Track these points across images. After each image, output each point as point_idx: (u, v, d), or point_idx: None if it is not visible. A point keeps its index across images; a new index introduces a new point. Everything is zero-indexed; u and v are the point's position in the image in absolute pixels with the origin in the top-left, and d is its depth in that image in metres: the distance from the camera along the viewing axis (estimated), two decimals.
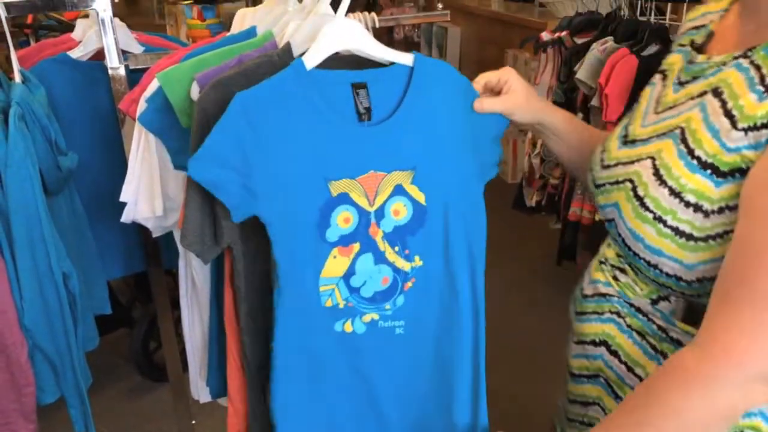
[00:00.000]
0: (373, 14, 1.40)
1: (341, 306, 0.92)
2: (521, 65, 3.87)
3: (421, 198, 0.92)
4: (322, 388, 0.95)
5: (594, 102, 2.22)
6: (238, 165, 0.83)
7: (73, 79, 1.56)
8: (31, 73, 1.33)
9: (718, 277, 0.70)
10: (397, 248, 0.93)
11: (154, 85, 1.03)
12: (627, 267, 0.85)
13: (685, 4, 2.26)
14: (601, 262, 0.91)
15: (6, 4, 1.26)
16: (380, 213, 0.91)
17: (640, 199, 0.78)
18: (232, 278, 0.96)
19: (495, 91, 0.99)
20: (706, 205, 0.72)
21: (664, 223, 0.75)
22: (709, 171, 0.72)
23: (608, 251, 0.89)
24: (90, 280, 1.51)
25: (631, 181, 0.81)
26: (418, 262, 0.94)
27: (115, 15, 1.39)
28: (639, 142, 0.83)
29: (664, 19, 2.39)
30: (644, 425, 0.70)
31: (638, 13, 2.42)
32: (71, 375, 1.30)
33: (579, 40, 2.50)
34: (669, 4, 2.38)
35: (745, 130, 0.70)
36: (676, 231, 0.74)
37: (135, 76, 1.29)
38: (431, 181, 0.92)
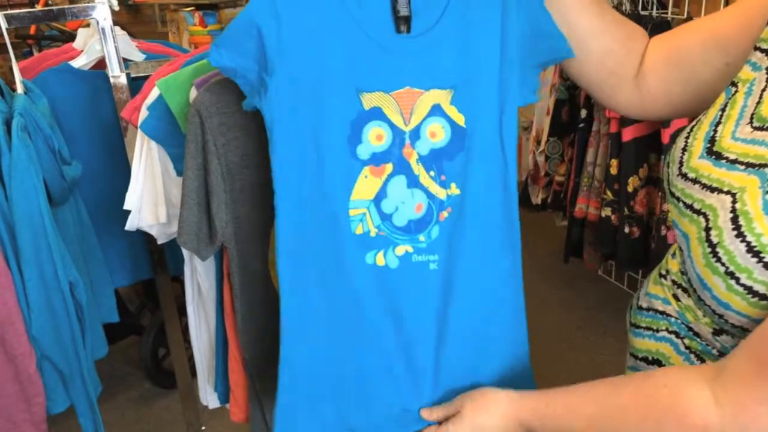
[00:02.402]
0: None
1: (372, 234, 0.85)
2: None
3: (460, 120, 0.86)
4: (344, 332, 0.88)
5: None
6: (258, 56, 0.78)
7: (76, 89, 1.56)
8: (33, 84, 1.34)
9: (764, 329, 0.63)
10: (432, 173, 0.86)
11: (154, 93, 1.03)
12: (691, 288, 0.77)
13: None
14: (661, 275, 0.85)
15: (6, 15, 1.27)
16: (416, 133, 0.85)
17: (712, 246, 0.69)
18: (229, 276, 0.98)
19: None
20: None
21: (737, 280, 0.66)
22: None
23: (672, 263, 0.83)
24: (97, 288, 1.51)
25: (705, 216, 0.71)
26: (454, 190, 0.88)
27: (117, 23, 1.39)
28: (724, 162, 0.72)
29: (666, 14, 2.38)
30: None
31: (640, 8, 2.42)
32: (80, 384, 1.30)
33: None
34: None
35: None
36: (749, 290, 0.66)
37: (137, 84, 1.30)
38: (472, 102, 0.86)
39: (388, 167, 0.84)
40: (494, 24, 0.84)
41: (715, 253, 0.68)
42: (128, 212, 1.11)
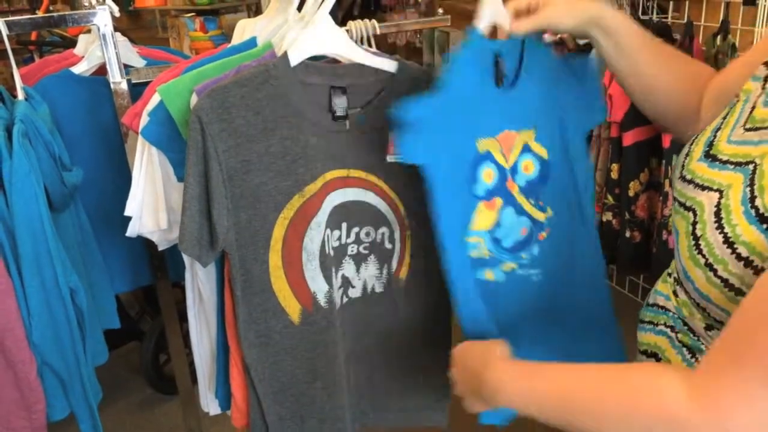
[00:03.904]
0: (374, 21, 1.39)
1: (486, 256, 1.01)
2: None
3: (544, 153, 1.04)
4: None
5: None
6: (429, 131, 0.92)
7: (76, 95, 1.56)
8: (33, 90, 1.34)
9: (735, 322, 0.62)
10: (532, 201, 1.04)
11: (155, 99, 1.03)
12: (680, 282, 0.81)
13: (687, 2, 2.25)
14: (669, 273, 0.89)
15: (8, 22, 1.27)
16: (514, 169, 1.02)
17: (696, 238, 0.72)
18: (231, 283, 0.99)
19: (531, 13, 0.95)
20: (757, 261, 0.64)
21: (715, 272, 0.68)
22: (765, 225, 0.64)
23: (676, 262, 0.84)
24: (98, 294, 1.51)
25: (694, 212, 0.74)
26: (549, 212, 1.05)
27: (117, 29, 1.39)
28: (717, 163, 0.75)
29: (667, 18, 2.38)
30: (586, 417, 0.68)
31: (640, 12, 2.42)
32: (80, 390, 1.30)
33: (581, 41, 2.49)
34: (671, 2, 2.37)
35: None
36: (726, 283, 0.68)
37: (137, 90, 1.30)
38: (549, 138, 1.04)
39: (498, 201, 1.01)
40: (556, 71, 1.04)
41: (697, 246, 0.71)
42: (129, 218, 1.10)
